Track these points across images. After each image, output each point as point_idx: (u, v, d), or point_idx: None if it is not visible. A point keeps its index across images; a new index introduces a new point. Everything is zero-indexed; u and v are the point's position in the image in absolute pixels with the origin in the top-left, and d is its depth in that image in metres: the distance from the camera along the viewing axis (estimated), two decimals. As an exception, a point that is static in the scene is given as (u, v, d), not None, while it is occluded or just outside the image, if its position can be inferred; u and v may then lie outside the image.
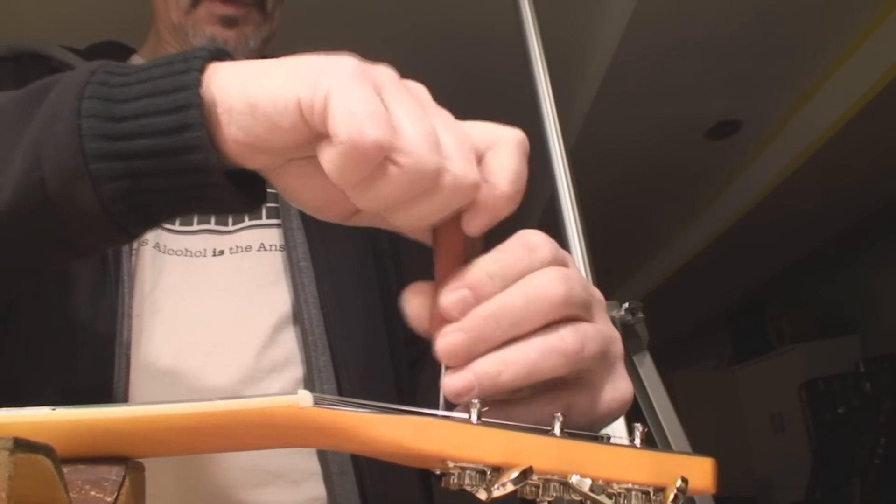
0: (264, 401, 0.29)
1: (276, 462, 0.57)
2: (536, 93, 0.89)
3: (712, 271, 4.14)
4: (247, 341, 0.60)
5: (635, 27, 2.02)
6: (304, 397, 0.29)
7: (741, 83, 2.47)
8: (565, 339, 0.31)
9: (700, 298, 4.87)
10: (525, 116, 0.98)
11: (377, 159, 0.29)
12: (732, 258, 3.94)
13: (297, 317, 0.62)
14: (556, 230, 0.83)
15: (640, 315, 0.76)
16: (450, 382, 0.31)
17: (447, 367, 0.32)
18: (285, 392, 0.29)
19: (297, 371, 0.61)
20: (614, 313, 0.76)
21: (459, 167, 0.31)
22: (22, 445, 0.21)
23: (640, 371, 0.76)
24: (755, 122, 2.77)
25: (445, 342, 0.31)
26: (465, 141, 0.32)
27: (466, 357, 0.31)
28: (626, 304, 0.76)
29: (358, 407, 0.29)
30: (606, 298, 0.78)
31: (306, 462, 0.58)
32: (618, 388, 0.34)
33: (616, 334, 0.35)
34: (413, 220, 0.32)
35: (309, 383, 0.59)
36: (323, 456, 0.58)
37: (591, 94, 2.40)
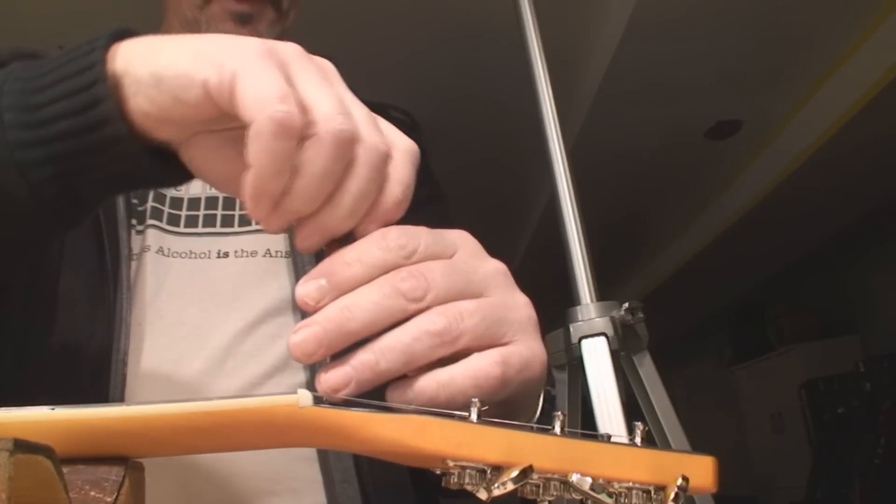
0: (264, 400, 0.29)
1: (276, 469, 0.56)
2: (536, 93, 0.89)
3: (712, 271, 4.14)
4: (249, 347, 0.59)
5: (635, 27, 2.02)
6: (305, 397, 0.29)
7: (741, 83, 2.46)
8: (435, 321, 0.31)
9: (700, 298, 4.87)
10: (525, 116, 0.98)
11: (296, 133, 0.30)
12: (732, 258, 3.93)
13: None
14: (556, 230, 0.83)
15: (640, 315, 0.76)
16: (325, 378, 0.31)
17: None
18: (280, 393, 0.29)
19: (298, 375, 0.60)
20: (614, 313, 0.76)
21: (372, 134, 0.32)
22: (22, 446, 0.21)
23: (640, 371, 0.76)
24: (755, 122, 2.77)
25: (296, 337, 0.31)
26: (371, 114, 0.33)
27: (321, 351, 0.31)
28: (626, 304, 0.75)
29: (358, 406, 0.29)
30: (606, 298, 0.78)
31: (307, 470, 0.57)
32: (519, 353, 0.33)
33: (518, 300, 0.35)
34: (351, 204, 0.32)
35: (311, 388, 0.59)
36: (325, 464, 0.57)
37: (591, 94, 2.40)
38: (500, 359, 0.32)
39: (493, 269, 0.35)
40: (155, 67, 0.33)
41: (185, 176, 0.38)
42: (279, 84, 0.30)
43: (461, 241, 0.35)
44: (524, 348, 0.33)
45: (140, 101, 0.34)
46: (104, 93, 0.34)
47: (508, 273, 0.36)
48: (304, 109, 0.31)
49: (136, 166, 0.35)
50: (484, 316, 0.32)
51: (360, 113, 0.33)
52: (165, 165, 0.36)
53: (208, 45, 0.33)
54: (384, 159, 0.33)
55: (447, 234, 0.35)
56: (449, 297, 0.32)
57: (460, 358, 0.32)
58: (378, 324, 0.31)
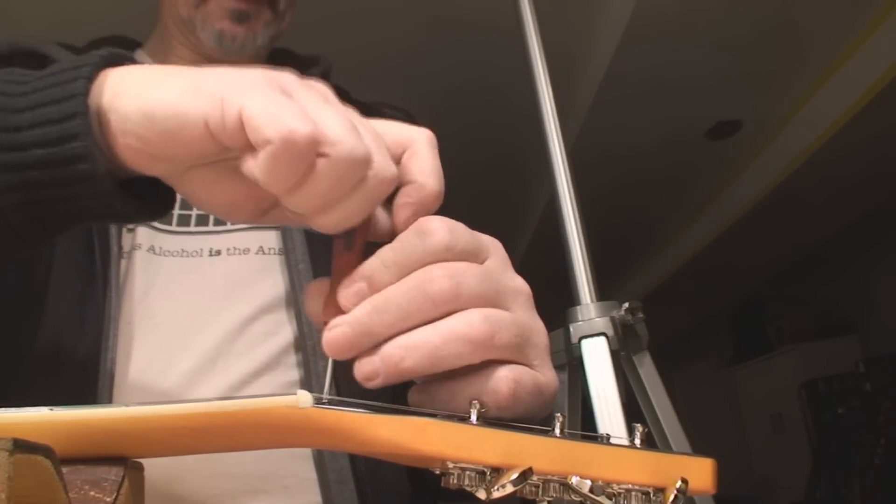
0: (264, 401, 0.29)
1: (267, 468, 0.55)
2: (536, 93, 0.89)
3: (712, 271, 4.14)
4: (240, 345, 0.59)
5: (635, 27, 2.02)
6: (304, 398, 0.29)
7: (741, 83, 2.46)
8: (473, 325, 0.30)
9: (700, 298, 4.87)
10: (525, 116, 0.98)
11: (310, 153, 0.29)
12: (732, 258, 3.93)
13: (297, 320, 0.61)
14: (556, 230, 0.83)
15: (640, 315, 0.76)
16: (358, 367, 0.31)
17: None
18: (279, 394, 0.29)
19: (290, 373, 0.60)
20: (614, 313, 0.76)
21: (380, 159, 0.31)
22: (21, 446, 0.21)
23: (640, 371, 0.76)
24: (755, 122, 2.77)
25: (329, 335, 0.31)
26: (378, 135, 0.32)
27: (352, 350, 0.31)
28: (626, 304, 0.76)
29: (357, 407, 0.29)
30: (606, 298, 0.78)
31: (301, 468, 0.57)
32: (534, 375, 0.33)
33: (539, 325, 0.34)
34: (341, 219, 0.32)
35: (307, 387, 0.59)
36: (320, 463, 0.57)
37: (591, 94, 2.40)
38: (514, 376, 0.31)
39: (519, 288, 0.34)
40: (145, 105, 0.31)
41: (158, 213, 0.38)
42: (291, 105, 0.30)
43: (493, 249, 0.34)
44: (539, 374, 0.33)
45: (129, 140, 0.32)
46: (81, 128, 0.32)
47: (531, 296, 0.35)
48: (317, 126, 0.30)
49: (107, 204, 0.34)
50: (518, 332, 0.32)
51: (368, 133, 0.32)
52: (138, 204, 0.35)
53: (203, 79, 0.31)
54: (389, 185, 0.32)
55: (481, 236, 0.34)
56: (477, 304, 0.31)
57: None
58: (405, 324, 0.31)
